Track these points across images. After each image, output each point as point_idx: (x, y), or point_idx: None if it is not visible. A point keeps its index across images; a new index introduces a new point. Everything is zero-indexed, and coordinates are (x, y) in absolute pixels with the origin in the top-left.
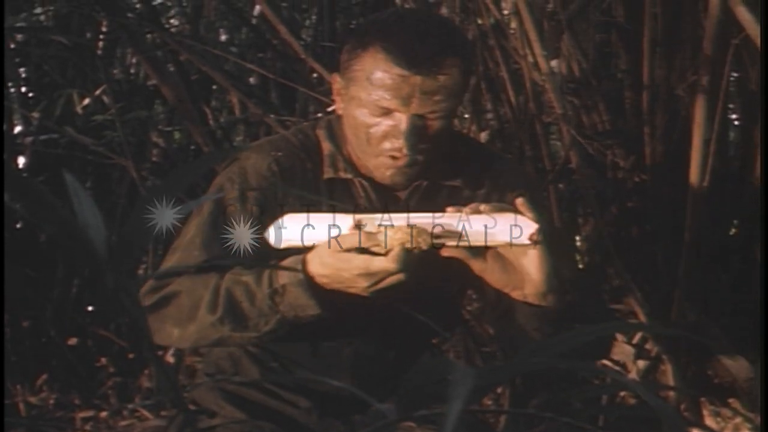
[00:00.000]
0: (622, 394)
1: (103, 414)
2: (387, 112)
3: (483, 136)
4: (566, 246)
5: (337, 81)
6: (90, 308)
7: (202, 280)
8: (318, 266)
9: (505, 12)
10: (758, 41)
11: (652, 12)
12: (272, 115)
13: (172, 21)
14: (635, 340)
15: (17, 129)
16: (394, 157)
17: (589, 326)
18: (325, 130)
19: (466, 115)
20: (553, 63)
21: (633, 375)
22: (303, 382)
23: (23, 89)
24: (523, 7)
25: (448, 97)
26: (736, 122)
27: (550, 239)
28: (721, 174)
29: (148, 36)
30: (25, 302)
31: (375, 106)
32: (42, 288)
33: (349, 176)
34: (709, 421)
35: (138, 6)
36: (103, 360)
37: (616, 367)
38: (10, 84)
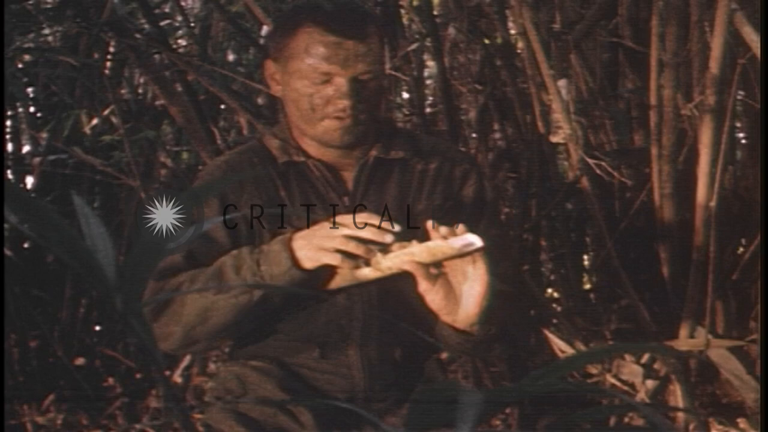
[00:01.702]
0: (630, 414)
1: None
2: (327, 79)
3: (490, 156)
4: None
5: (269, 66)
6: (97, 328)
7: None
8: (300, 239)
9: (512, 32)
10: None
11: (659, 32)
12: None
13: (179, 41)
14: (644, 360)
15: (25, 149)
16: (339, 118)
17: (597, 348)
18: (269, 133)
19: (474, 135)
20: (561, 83)
21: (641, 395)
22: (309, 402)
23: (31, 109)
24: (530, 27)
25: (376, 60)
26: (743, 141)
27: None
28: (728, 193)
29: (156, 56)
30: (33, 322)
31: (316, 73)
32: (49, 308)
33: (301, 159)
34: None
35: (146, 27)
36: (111, 380)
37: (625, 387)
38: (18, 104)
